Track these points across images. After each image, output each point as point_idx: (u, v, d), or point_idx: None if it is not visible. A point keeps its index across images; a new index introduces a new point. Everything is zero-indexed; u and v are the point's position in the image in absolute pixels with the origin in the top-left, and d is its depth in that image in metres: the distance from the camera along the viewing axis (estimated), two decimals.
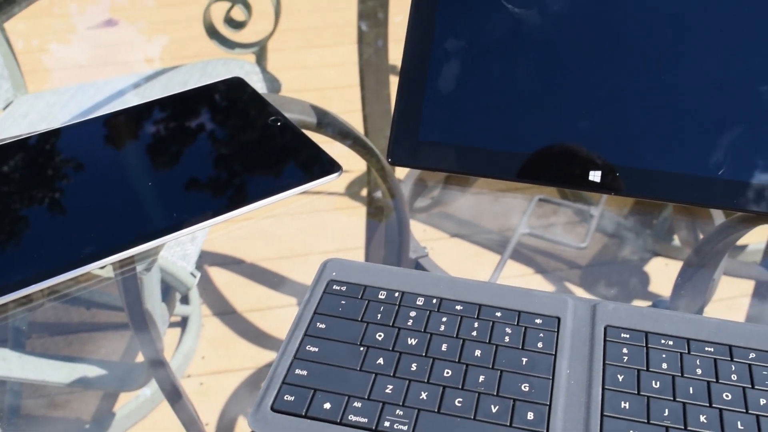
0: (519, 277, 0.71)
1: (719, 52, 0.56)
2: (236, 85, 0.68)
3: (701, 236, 0.66)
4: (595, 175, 0.57)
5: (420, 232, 0.72)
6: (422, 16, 0.59)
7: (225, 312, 0.87)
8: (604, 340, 0.47)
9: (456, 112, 0.58)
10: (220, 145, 0.62)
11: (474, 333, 0.47)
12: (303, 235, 0.68)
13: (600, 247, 0.71)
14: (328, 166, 0.59)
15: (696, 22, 0.56)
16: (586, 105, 0.57)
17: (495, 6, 0.58)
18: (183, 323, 0.84)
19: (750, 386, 0.45)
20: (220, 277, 0.82)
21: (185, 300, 0.85)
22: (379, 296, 0.50)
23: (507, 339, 0.47)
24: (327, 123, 0.69)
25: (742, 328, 0.49)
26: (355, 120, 0.96)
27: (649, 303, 0.63)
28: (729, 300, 0.65)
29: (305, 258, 0.68)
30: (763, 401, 0.44)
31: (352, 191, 0.74)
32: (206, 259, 0.73)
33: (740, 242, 0.70)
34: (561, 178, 0.58)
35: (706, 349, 0.47)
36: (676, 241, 0.68)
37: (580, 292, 0.74)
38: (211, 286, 0.84)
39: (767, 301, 0.63)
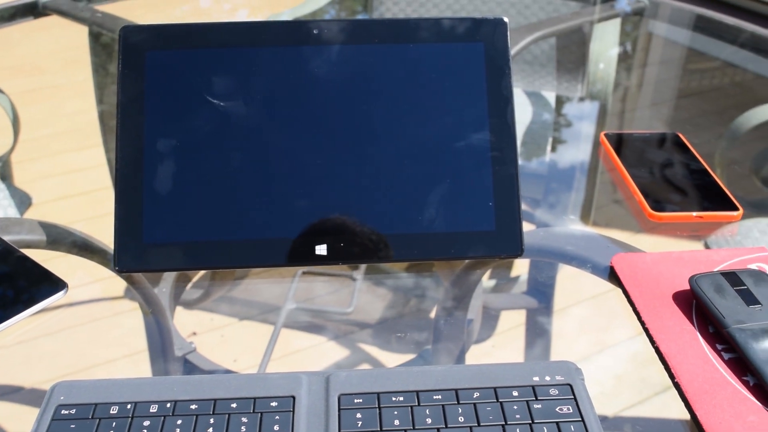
0: (295, 353, 0.71)
1: (411, 127, 0.60)
2: None
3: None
4: (321, 249, 0.59)
5: (207, 321, 0.71)
6: (130, 121, 0.59)
7: None
8: (339, 410, 0.48)
9: (178, 210, 0.59)
10: None
11: (210, 430, 0.47)
12: (87, 347, 0.65)
13: (371, 308, 0.72)
14: (52, 285, 0.57)
15: (388, 104, 0.61)
16: (300, 187, 0.59)
17: (199, 105, 0.60)
18: None
19: (476, 424, 0.47)
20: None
21: None
22: (111, 412, 0.48)
23: (243, 429, 0.47)
24: (57, 238, 0.67)
25: (467, 370, 0.51)
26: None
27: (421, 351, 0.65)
28: (507, 332, 0.68)
29: (92, 370, 0.65)
30: None
31: (131, 294, 0.71)
32: None
33: (513, 274, 0.75)
34: (291, 257, 0.59)
35: (435, 397, 0.49)
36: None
37: (352, 358, 0.75)
38: None
39: (538, 326, 0.67)
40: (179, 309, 0.67)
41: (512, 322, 0.69)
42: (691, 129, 0.94)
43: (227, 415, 0.48)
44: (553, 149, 0.95)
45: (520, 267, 0.73)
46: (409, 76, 0.61)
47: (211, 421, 0.47)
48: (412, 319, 0.69)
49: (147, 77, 0.60)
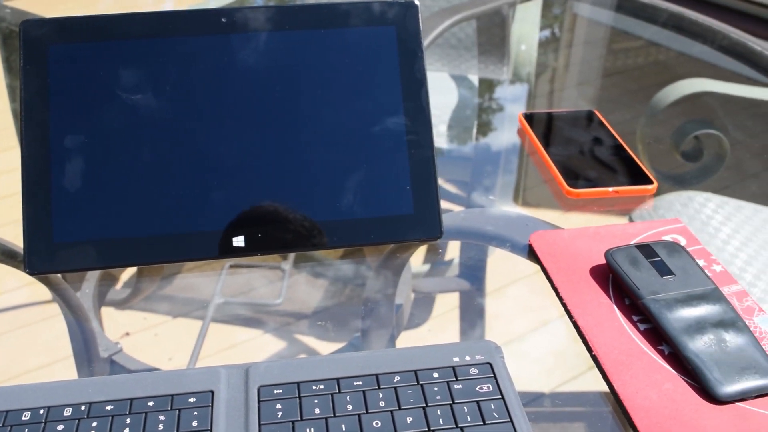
0: (227, 348, 0.70)
1: (325, 114, 0.60)
2: None
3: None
4: (238, 241, 0.58)
5: (140, 320, 0.69)
6: (35, 117, 0.58)
7: None
8: (258, 402, 0.47)
9: (88, 208, 0.57)
10: None
11: (126, 430, 0.46)
12: (18, 353, 0.63)
13: (301, 298, 0.72)
14: None
15: (300, 91, 0.60)
16: (215, 179, 0.58)
17: (107, 98, 0.58)
18: None
19: (397, 408, 0.47)
20: None
21: None
22: (23, 418, 0.47)
23: (161, 427, 0.46)
24: None
25: (387, 354, 0.51)
26: None
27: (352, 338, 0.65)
28: (443, 315, 0.68)
29: (25, 377, 0.63)
30: (409, 419, 0.46)
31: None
32: None
33: (446, 258, 0.75)
34: (207, 252, 0.58)
35: (355, 383, 0.49)
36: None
37: (283, 349, 0.75)
38: None
39: (471, 308, 0.67)
40: (111, 310, 0.66)
41: (447, 306, 0.70)
42: (615, 107, 0.95)
43: (144, 414, 0.47)
44: (479, 131, 0.95)
45: (453, 251, 0.73)
46: (321, 62, 0.60)
47: (128, 421, 0.46)
48: (342, 306, 0.69)
49: (51, 72, 0.58)
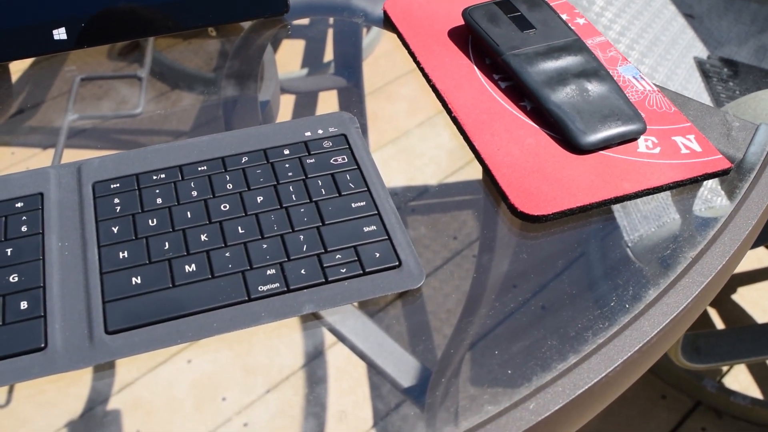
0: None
1: None
2: None
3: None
4: (59, 33, 0.51)
5: (8, 155, 0.64)
6: None
7: None
8: (94, 198, 0.44)
9: None
10: None
11: None
12: None
13: (161, 107, 0.67)
14: None
15: None
16: None
17: None
18: None
19: (246, 189, 0.44)
20: None
21: None
22: None
23: None
24: None
25: (232, 136, 0.48)
26: None
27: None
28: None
29: None
30: (260, 199, 0.44)
31: None
32: None
33: (327, 59, 0.70)
34: (25, 48, 0.52)
35: (200, 169, 0.45)
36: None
37: None
38: None
39: (351, 104, 0.63)
40: None
41: (331, 107, 0.66)
42: None
43: None
44: None
45: (330, 53, 0.69)
46: None
47: None
48: (206, 107, 0.65)
49: None
